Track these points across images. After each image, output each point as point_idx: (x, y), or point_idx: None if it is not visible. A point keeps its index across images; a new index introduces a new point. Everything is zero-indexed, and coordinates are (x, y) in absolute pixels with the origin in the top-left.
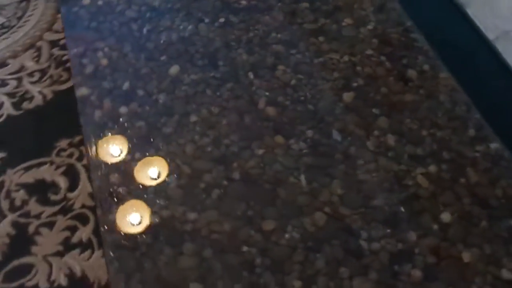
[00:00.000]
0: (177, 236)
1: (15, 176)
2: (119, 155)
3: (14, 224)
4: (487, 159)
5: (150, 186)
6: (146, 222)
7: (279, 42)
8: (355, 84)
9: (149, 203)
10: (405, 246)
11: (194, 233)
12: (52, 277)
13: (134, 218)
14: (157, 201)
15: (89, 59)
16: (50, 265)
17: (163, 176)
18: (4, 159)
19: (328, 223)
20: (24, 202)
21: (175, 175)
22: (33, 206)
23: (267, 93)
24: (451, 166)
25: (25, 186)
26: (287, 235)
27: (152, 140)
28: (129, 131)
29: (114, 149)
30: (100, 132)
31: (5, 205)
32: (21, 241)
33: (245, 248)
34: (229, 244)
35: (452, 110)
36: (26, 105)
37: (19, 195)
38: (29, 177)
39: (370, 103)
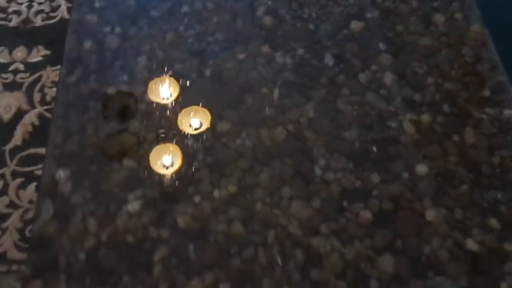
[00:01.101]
0: (128, 112)
1: (52, 74)
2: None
3: (40, 116)
4: (494, 124)
5: (117, 62)
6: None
7: None
8: (368, 15)
9: (113, 74)
10: (363, 185)
11: (146, 114)
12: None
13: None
14: (120, 77)
15: None
16: None
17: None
18: (48, 56)
19: (287, 140)
20: (53, 99)
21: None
22: None
23: (269, 2)
24: (448, 121)
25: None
26: (238, 141)
27: (136, 20)
28: (117, 6)
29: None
30: (88, 3)
31: (37, 97)
32: (41, 133)
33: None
34: (175, 131)
35: (472, 65)
36: None
37: (51, 92)
38: None
39: (379, 37)
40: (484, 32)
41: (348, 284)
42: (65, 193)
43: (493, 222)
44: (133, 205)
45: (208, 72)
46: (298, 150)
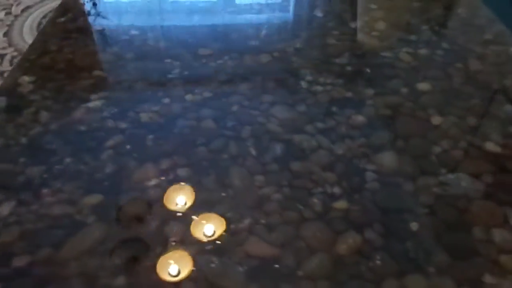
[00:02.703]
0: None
1: None
2: None
3: None
4: (501, 57)
5: None
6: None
7: None
8: None
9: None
10: (355, 95)
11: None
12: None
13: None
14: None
15: None
16: None
17: None
18: None
19: (272, 62)
20: None
21: None
22: None
23: None
24: (448, 54)
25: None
26: (220, 61)
27: None
28: None
29: None
30: None
31: None
32: None
33: None
34: None
35: (468, 19)
36: None
37: None
38: None
39: (369, 0)
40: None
41: (338, 175)
42: (24, 92)
43: None
44: (95, 103)
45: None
46: (284, 69)
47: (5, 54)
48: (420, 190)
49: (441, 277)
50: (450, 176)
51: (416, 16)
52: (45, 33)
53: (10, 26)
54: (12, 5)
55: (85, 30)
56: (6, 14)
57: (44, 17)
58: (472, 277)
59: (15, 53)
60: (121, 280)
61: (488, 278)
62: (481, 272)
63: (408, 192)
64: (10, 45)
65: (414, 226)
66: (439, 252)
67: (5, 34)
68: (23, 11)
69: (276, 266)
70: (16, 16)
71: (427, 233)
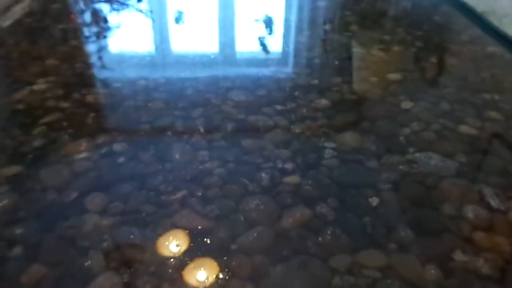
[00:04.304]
0: None
1: None
2: None
3: None
4: (477, 55)
5: None
6: None
7: None
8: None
9: None
10: (321, 83)
11: None
12: None
13: None
14: None
15: None
16: None
17: None
18: None
19: (236, 55)
20: None
21: None
22: None
23: None
24: (422, 51)
25: None
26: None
27: None
28: None
29: None
30: None
31: None
32: None
33: None
34: None
35: (444, 24)
36: None
37: None
38: None
39: (345, 7)
40: (454, 11)
41: (293, 152)
42: None
43: (493, 114)
44: (40, 86)
45: None
46: (247, 62)
47: None
48: (384, 167)
49: (404, 254)
50: (418, 154)
51: (390, 21)
52: (8, 29)
53: None
54: None
55: (49, 29)
56: None
57: None
58: (441, 254)
59: None
60: (17, 250)
61: (459, 255)
62: (451, 249)
63: (370, 169)
64: None
65: (374, 201)
66: (402, 228)
67: None
68: None
69: (206, 239)
70: None
71: (389, 209)
